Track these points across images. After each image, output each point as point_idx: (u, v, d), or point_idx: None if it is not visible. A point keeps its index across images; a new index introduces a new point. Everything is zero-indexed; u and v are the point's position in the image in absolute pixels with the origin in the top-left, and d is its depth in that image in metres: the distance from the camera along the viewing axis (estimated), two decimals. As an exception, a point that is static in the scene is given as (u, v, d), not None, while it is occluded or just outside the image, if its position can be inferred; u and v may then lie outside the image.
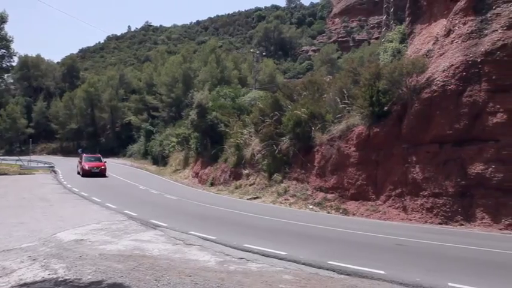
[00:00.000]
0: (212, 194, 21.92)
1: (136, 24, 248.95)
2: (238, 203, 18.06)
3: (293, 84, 24.12)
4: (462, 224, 13.22)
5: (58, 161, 45.39)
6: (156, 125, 49.83)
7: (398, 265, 7.83)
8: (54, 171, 31.81)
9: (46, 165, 36.85)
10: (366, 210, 15.09)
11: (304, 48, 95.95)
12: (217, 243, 9.50)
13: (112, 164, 41.49)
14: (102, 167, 28.33)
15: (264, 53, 66.64)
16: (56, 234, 9.79)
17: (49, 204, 15.00)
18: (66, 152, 61.08)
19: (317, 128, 18.03)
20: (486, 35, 14.32)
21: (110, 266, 7.25)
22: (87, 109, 62.27)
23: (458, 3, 15.81)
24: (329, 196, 16.51)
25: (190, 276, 6.95)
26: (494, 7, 14.56)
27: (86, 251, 8.36)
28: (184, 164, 33.45)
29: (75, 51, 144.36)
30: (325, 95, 19.42)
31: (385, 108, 15.69)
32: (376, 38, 70.74)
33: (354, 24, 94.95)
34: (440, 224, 13.46)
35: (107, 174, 28.65)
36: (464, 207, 13.36)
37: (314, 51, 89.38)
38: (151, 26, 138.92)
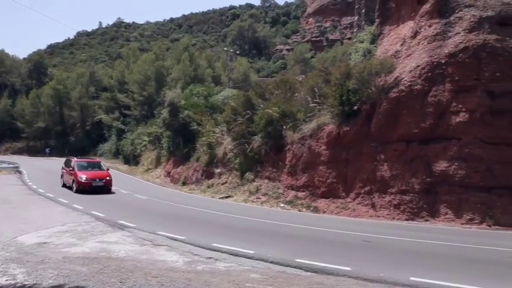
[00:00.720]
0: (184, 193, 21.72)
1: (108, 21, 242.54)
2: (210, 202, 17.98)
3: (265, 83, 24.21)
4: (427, 220, 13.68)
5: (24, 161, 43.65)
6: (127, 124, 48.87)
7: (364, 261, 7.99)
8: (19, 172, 30.57)
9: (10, 166, 35.33)
10: (336, 207, 15.35)
11: (278, 47, 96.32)
12: (186, 243, 9.41)
13: (81, 163, 40.37)
14: (107, 178, 19.79)
15: (238, 52, 66.46)
16: (17, 238, 9.41)
17: (11, 207, 14.39)
18: (33, 152, 58.88)
19: (288, 126, 18.20)
20: (450, 37, 14.87)
21: (73, 270, 7.04)
22: (55, 107, 60.19)
23: (424, 6, 16.31)
24: (300, 194, 16.70)
25: (156, 277, 6.85)
26: (457, 11, 15.13)
27: (48, 254, 8.08)
28: (156, 163, 32.98)
29: (43, 47, 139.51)
30: (296, 94, 19.60)
31: (355, 107, 15.99)
32: (349, 38, 71.85)
33: (328, 24, 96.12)
34: (407, 220, 13.87)
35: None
36: (429, 204, 13.83)
37: (288, 50, 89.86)
38: (123, 22, 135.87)
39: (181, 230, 10.68)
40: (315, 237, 10.62)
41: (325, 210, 15.46)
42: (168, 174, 28.07)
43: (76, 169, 19.55)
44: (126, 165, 40.01)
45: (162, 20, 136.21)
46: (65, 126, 61.57)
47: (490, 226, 12.74)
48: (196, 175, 23.75)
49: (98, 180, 19.35)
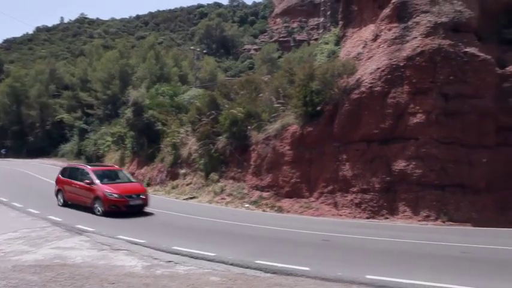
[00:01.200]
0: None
1: (70, 16, 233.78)
2: (174, 204, 17.73)
3: (231, 83, 24.15)
4: (387, 218, 14.13)
5: (-23, 162, 41.37)
6: (90, 124, 47.36)
7: (323, 260, 8.15)
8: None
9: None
10: (300, 207, 15.55)
11: (246, 46, 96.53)
12: (146, 246, 9.27)
13: (40, 165, 38.84)
14: (146, 193, 14.96)
15: (205, 51, 65.93)
16: (-38, 246, 8.91)
17: (-42, 212, 13.61)
18: (-13, 153, 55.84)
19: (253, 127, 18.27)
20: (408, 41, 15.40)
21: (23, 279, 6.74)
22: (12, 106, 57.30)
23: (384, 10, 16.81)
24: (264, 194, 16.79)
25: (113, 283, 6.69)
26: (414, 16, 15.69)
27: (-3, 263, 7.69)
28: (120, 164, 32.03)
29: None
30: (261, 95, 19.69)
31: (318, 108, 16.25)
32: (316, 39, 72.94)
33: (295, 24, 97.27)
34: (367, 218, 14.26)
35: None
36: (388, 202, 14.28)
37: (256, 50, 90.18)
38: (86, 18, 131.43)
39: (142, 234, 10.47)
40: (277, 237, 10.70)
41: (289, 210, 15.63)
42: (132, 175, 27.34)
43: (97, 181, 14.07)
44: (88, 167, 38.74)
45: (127, 17, 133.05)
46: (23, 125, 58.76)
47: (444, 222, 13.32)
48: (160, 176, 23.36)
49: (134, 196, 14.03)
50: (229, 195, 17.83)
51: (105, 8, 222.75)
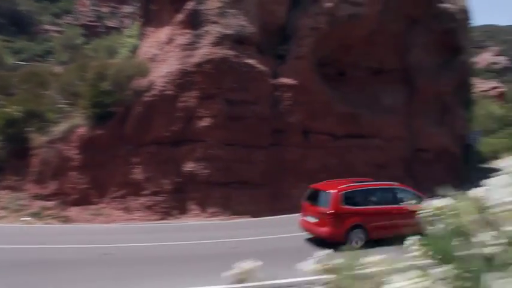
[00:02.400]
0: None
1: None
2: None
3: (10, 74, 20.63)
4: (178, 217, 14.85)
5: None
6: None
7: (92, 283, 7.81)
8: None
9: None
10: (90, 215, 14.68)
11: (46, 27, 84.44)
12: None
13: None
14: None
15: (-13, 27, 54.27)
16: None
17: None
18: None
19: (35, 128, 16.13)
20: (198, 48, 16.35)
21: None
22: None
23: (179, 15, 17.35)
24: (48, 204, 15.05)
25: None
26: (205, 25, 16.75)
27: None
28: None
29: None
30: (47, 92, 17.56)
31: (109, 109, 15.62)
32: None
33: (106, 9, 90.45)
34: (161, 219, 14.60)
35: None
36: (179, 202, 15.04)
37: (59, 32, 79.90)
38: None
39: None
40: (47, 259, 9.12)
41: (78, 219, 14.50)
42: None
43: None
44: None
45: None
46: None
47: (229, 216, 14.87)
48: None
49: None
50: (5, 208, 15.23)
51: None
